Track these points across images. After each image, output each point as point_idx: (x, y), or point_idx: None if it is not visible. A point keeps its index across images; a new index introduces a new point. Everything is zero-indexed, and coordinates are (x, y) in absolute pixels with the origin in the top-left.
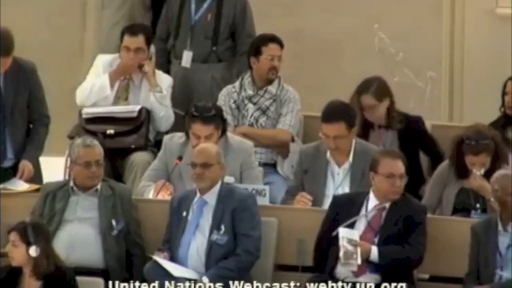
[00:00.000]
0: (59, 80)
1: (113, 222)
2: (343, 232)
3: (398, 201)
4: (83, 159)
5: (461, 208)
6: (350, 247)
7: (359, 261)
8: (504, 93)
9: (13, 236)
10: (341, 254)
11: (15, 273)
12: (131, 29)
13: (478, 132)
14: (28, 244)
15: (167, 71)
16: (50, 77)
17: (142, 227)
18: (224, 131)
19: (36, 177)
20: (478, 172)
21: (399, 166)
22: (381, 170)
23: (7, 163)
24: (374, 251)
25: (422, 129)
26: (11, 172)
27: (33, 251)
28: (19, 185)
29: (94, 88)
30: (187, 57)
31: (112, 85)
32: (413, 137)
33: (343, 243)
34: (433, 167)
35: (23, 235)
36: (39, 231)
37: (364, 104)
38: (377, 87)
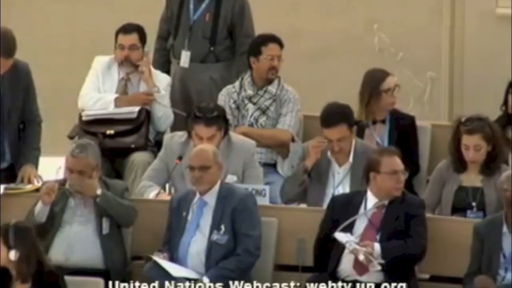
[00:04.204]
0: (60, 80)
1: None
2: (342, 236)
3: (396, 198)
4: (68, 166)
5: (460, 207)
6: (364, 249)
7: (380, 259)
8: (507, 93)
9: None
10: (361, 258)
11: (3, 273)
12: (124, 28)
13: (476, 115)
14: (9, 248)
15: (168, 71)
16: (51, 77)
17: (142, 227)
18: (226, 132)
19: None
20: None
21: (399, 162)
22: (384, 169)
23: (4, 165)
24: (377, 248)
25: (412, 128)
26: (8, 173)
27: (12, 255)
28: (19, 185)
29: (99, 102)
30: (185, 57)
31: (116, 107)
32: (404, 133)
33: (354, 247)
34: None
35: (5, 238)
36: (21, 235)
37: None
38: None
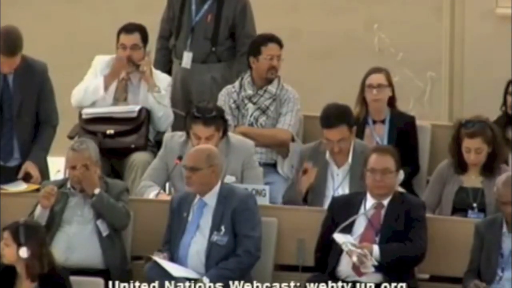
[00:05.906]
0: (60, 80)
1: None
2: (340, 237)
3: (396, 199)
4: (70, 163)
5: (461, 207)
6: (359, 250)
7: (374, 262)
8: (506, 93)
9: (6, 235)
10: (354, 259)
11: (10, 272)
12: (126, 28)
13: (477, 117)
14: (19, 245)
15: (169, 70)
16: (51, 76)
17: (142, 227)
18: (225, 132)
19: (44, 177)
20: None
21: (383, 161)
22: (368, 166)
23: (13, 163)
24: (376, 250)
25: (412, 128)
26: (17, 172)
27: (23, 252)
28: (19, 185)
29: (89, 89)
30: (187, 58)
31: (106, 87)
32: (404, 133)
33: (349, 248)
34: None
35: (15, 235)
36: (31, 232)
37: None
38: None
